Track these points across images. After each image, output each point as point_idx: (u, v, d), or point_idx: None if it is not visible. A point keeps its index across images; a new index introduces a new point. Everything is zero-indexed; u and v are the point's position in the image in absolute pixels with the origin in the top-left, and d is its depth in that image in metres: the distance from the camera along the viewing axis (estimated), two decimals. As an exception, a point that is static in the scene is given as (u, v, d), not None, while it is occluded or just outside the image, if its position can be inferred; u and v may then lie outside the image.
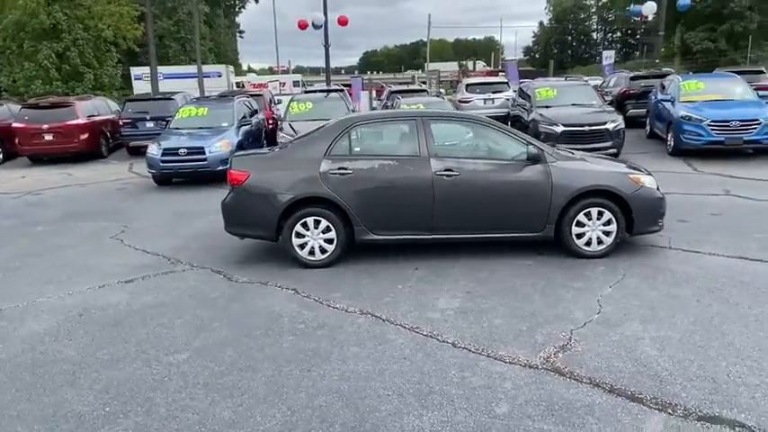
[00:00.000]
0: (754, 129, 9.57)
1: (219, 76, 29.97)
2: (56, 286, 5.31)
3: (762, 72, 14.54)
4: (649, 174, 5.61)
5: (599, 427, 2.81)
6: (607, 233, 5.37)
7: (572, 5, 71.26)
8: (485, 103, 14.16)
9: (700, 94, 10.66)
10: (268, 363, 3.63)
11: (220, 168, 10.17)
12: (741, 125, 9.58)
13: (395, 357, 3.62)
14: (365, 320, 4.22)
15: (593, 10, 71.01)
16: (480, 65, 60.31)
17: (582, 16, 73.41)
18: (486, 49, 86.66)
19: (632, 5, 22.29)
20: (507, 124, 12.24)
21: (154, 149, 10.40)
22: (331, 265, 5.45)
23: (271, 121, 13.78)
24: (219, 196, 6.09)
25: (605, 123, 10.11)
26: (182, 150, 10.24)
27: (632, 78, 15.26)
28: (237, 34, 51.06)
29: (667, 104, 10.93)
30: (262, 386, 3.35)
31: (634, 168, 5.72)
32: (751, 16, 24.37)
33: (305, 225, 5.41)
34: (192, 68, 25.48)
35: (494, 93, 15.56)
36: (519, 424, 2.86)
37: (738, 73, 12.45)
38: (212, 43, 36.55)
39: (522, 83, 15.09)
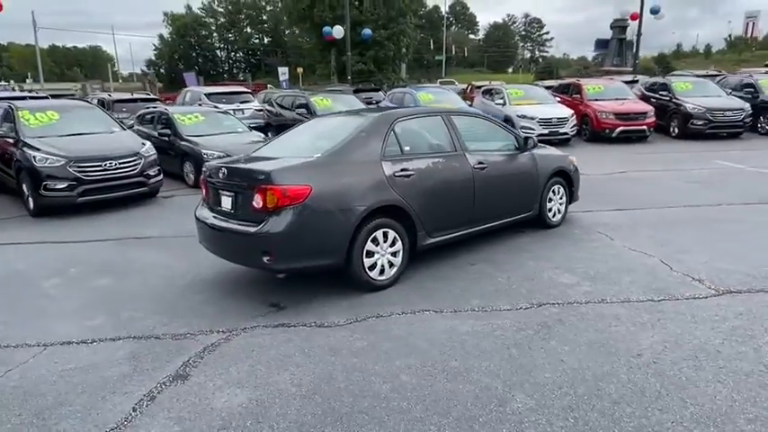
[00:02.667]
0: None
1: None
2: (85, 413, 2.88)
3: (452, 83, 18.96)
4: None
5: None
6: (561, 204, 6.60)
7: (191, 21, 69.55)
8: (234, 113, 13.27)
9: (433, 104, 13.31)
10: (602, 365, 3.28)
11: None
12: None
13: (667, 321, 3.86)
14: (559, 310, 4.14)
15: (214, 28, 71.50)
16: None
17: (203, 33, 72.68)
18: (94, 60, 75.47)
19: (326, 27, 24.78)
20: (267, 135, 12.13)
21: None
22: (395, 283, 4.80)
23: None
24: None
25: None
26: None
27: (355, 91, 17.30)
28: None
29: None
30: (667, 386, 3.09)
31: None
32: (389, 45, 30.73)
33: (374, 240, 4.59)
34: None
35: (242, 103, 14.75)
36: (802, 324, 3.73)
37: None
38: None
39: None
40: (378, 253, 4.62)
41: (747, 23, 64.29)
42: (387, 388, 3.13)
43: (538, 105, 14.31)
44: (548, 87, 17.59)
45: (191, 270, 5.43)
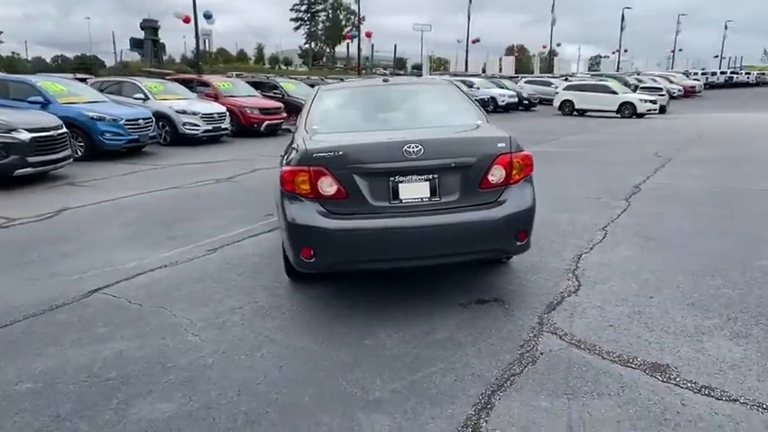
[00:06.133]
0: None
1: None
2: None
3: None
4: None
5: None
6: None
7: None
8: None
9: (71, 96, 10.37)
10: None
11: None
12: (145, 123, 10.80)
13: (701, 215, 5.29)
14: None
15: None
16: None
17: None
18: None
19: None
20: None
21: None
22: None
23: None
24: None
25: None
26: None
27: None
28: None
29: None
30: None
31: None
32: None
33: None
34: None
35: None
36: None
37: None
38: None
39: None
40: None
41: (204, 39, 73.59)
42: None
43: (183, 100, 13.07)
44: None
45: (261, 342, 3.17)
